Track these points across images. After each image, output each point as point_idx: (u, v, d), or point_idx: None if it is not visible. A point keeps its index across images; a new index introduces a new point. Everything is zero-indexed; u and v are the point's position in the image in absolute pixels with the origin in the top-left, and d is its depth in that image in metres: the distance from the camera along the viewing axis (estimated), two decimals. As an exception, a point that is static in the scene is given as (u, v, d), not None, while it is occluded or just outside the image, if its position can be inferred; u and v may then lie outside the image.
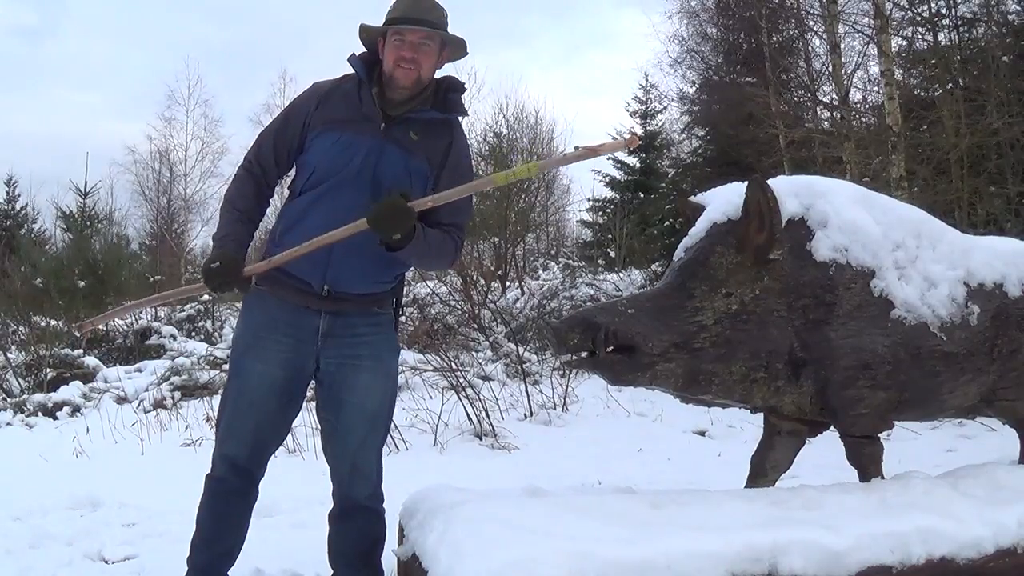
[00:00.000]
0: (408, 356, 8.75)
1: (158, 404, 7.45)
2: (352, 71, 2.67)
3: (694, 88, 17.99)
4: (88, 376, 8.45)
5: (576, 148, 2.53)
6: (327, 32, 43.01)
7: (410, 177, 2.57)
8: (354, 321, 2.63)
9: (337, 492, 2.78)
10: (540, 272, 14.76)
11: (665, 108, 19.36)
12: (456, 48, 2.69)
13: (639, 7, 40.98)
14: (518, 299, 11.89)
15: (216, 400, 7.54)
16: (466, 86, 2.78)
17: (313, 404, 2.88)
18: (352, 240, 2.49)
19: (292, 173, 2.73)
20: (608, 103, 42.01)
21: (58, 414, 7.23)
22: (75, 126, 38.86)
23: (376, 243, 2.47)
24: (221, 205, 2.72)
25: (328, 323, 2.60)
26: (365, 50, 2.70)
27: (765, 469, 3.15)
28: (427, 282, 11.85)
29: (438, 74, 2.70)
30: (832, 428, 3.06)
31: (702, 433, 6.64)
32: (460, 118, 2.75)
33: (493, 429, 6.22)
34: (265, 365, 2.61)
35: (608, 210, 18.82)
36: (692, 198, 3.19)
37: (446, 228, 2.63)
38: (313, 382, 2.74)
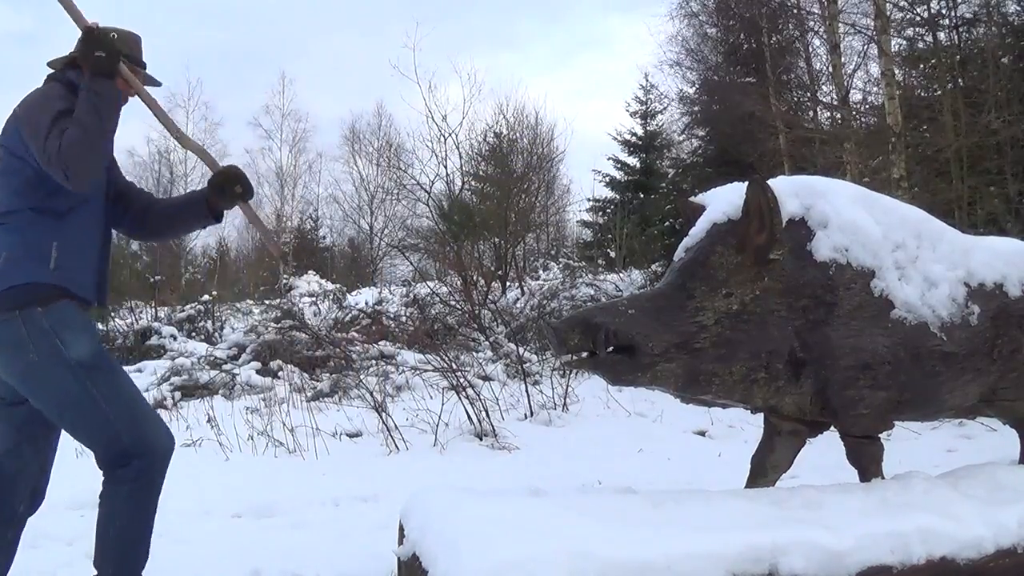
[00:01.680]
0: (408, 356, 8.76)
1: (158, 404, 7.45)
2: (75, 82, 2.57)
3: (694, 88, 18.02)
4: (88, 376, 8.43)
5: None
6: (325, 34, 43.08)
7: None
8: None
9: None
10: (540, 272, 14.76)
11: (665, 108, 19.41)
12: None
13: (623, 11, 41.22)
14: (518, 299, 11.90)
15: (216, 400, 7.57)
16: None
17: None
18: (108, 251, 2.72)
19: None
20: (602, 105, 42.18)
21: (58, 414, 7.23)
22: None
23: None
24: (79, 123, 2.48)
25: None
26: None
27: (765, 469, 3.15)
28: (427, 282, 11.86)
29: None
30: (832, 428, 3.06)
31: (702, 433, 6.64)
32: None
33: (493, 429, 6.22)
34: None
35: (608, 210, 18.85)
36: (692, 198, 3.19)
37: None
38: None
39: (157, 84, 2.86)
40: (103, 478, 2.55)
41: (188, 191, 3.00)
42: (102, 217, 2.64)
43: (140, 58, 2.74)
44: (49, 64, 2.68)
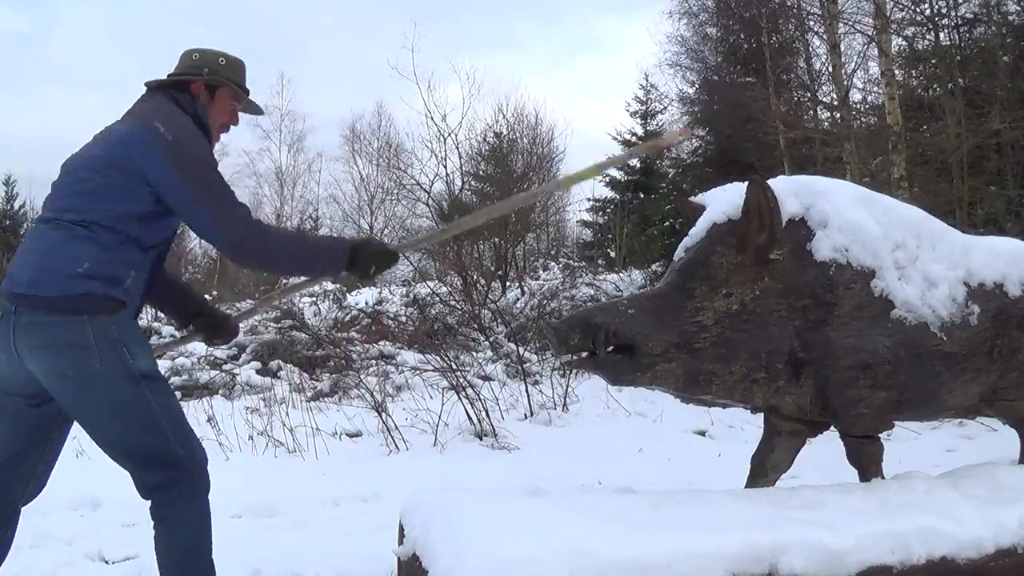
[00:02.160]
0: (408, 356, 8.76)
1: (158, 404, 7.43)
2: (182, 111, 2.55)
3: (694, 88, 18.03)
4: (88, 376, 8.44)
5: (641, 142, 2.54)
6: (324, 35, 43.09)
7: None
8: None
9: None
10: (540, 272, 14.77)
11: (665, 108, 19.40)
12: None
13: (621, 11, 41.28)
14: (518, 299, 11.90)
15: (216, 400, 7.57)
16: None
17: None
18: None
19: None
20: (602, 105, 42.30)
21: (58, 414, 7.23)
22: (75, 128, 38.96)
23: None
24: (289, 238, 2.70)
25: None
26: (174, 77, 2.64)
27: (765, 469, 3.15)
28: (427, 283, 11.86)
29: None
30: (832, 428, 3.06)
31: (702, 433, 6.64)
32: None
33: (493, 429, 6.22)
34: None
35: (608, 210, 18.85)
36: (692, 198, 3.19)
37: None
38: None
39: (259, 112, 2.88)
40: (154, 500, 2.46)
41: (189, 290, 2.90)
42: (154, 267, 2.60)
43: (244, 84, 2.72)
44: (148, 84, 2.64)
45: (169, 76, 2.64)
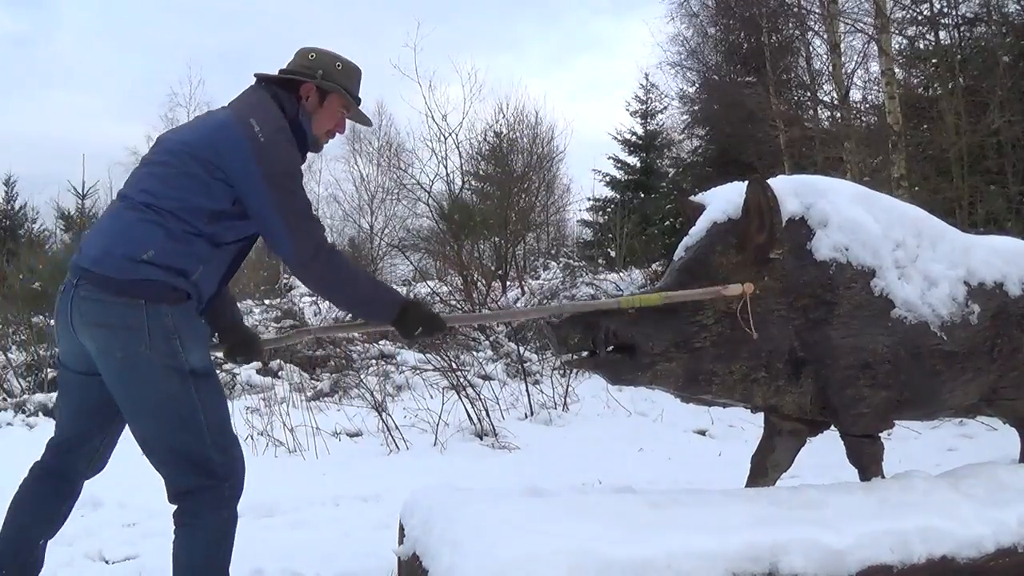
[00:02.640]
0: (409, 356, 8.75)
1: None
2: (281, 112, 2.47)
3: (694, 88, 18.01)
4: (88, 376, 8.44)
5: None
6: (324, 35, 43.11)
7: None
8: None
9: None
10: (540, 272, 14.77)
11: (665, 108, 19.38)
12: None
13: (619, 12, 41.36)
14: (519, 299, 11.89)
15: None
16: None
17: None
18: None
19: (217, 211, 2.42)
20: (602, 105, 42.35)
21: (59, 414, 7.23)
22: (75, 128, 39.05)
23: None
24: (355, 273, 2.59)
25: None
26: (280, 76, 2.56)
27: (765, 468, 3.15)
28: (428, 282, 11.86)
29: None
30: (832, 427, 3.06)
31: (703, 433, 6.64)
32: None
33: (494, 429, 6.22)
34: None
35: (608, 210, 18.82)
36: (692, 197, 3.19)
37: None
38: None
39: (368, 124, 2.83)
40: (181, 505, 2.38)
41: (232, 302, 2.76)
42: (232, 264, 2.54)
43: (357, 93, 2.63)
44: (257, 75, 2.57)
45: (281, 72, 2.54)
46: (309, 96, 2.52)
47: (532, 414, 6.95)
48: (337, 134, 2.63)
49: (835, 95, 12.84)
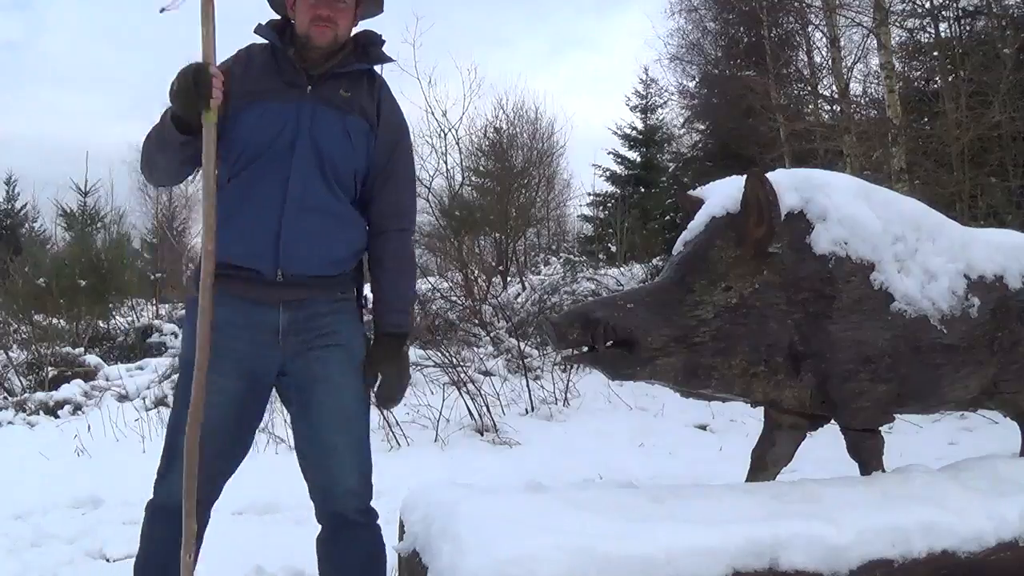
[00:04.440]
0: (409, 352, 8.75)
1: (159, 402, 7.45)
2: (260, 42, 2.42)
3: (694, 82, 17.99)
4: (89, 374, 8.47)
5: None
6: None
7: (349, 137, 2.34)
8: (317, 311, 2.32)
9: (320, 510, 2.39)
10: (541, 267, 14.76)
11: (665, 103, 19.36)
12: (371, 4, 2.49)
13: (597, 13, 41.39)
14: (519, 294, 11.89)
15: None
16: (384, 38, 2.53)
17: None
18: (305, 209, 2.27)
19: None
20: (602, 100, 42.42)
21: (59, 412, 7.25)
22: (75, 128, 39.10)
23: (333, 213, 2.32)
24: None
25: (288, 318, 2.30)
26: (275, 17, 2.48)
27: (766, 463, 3.15)
28: (428, 278, 11.84)
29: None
30: (833, 422, 3.06)
31: (703, 427, 6.64)
32: (385, 84, 2.51)
33: (494, 424, 6.22)
34: (221, 377, 2.22)
35: (609, 205, 18.81)
36: (691, 192, 3.18)
37: (397, 233, 2.45)
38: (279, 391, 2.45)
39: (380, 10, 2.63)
40: (340, 523, 2.34)
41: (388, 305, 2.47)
42: None
43: None
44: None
45: (277, 18, 2.46)
46: (290, 6, 2.42)
47: (533, 410, 6.96)
48: (323, 19, 2.35)
49: (835, 89, 12.81)
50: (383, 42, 2.50)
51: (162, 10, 2.30)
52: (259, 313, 2.28)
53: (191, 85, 2.15)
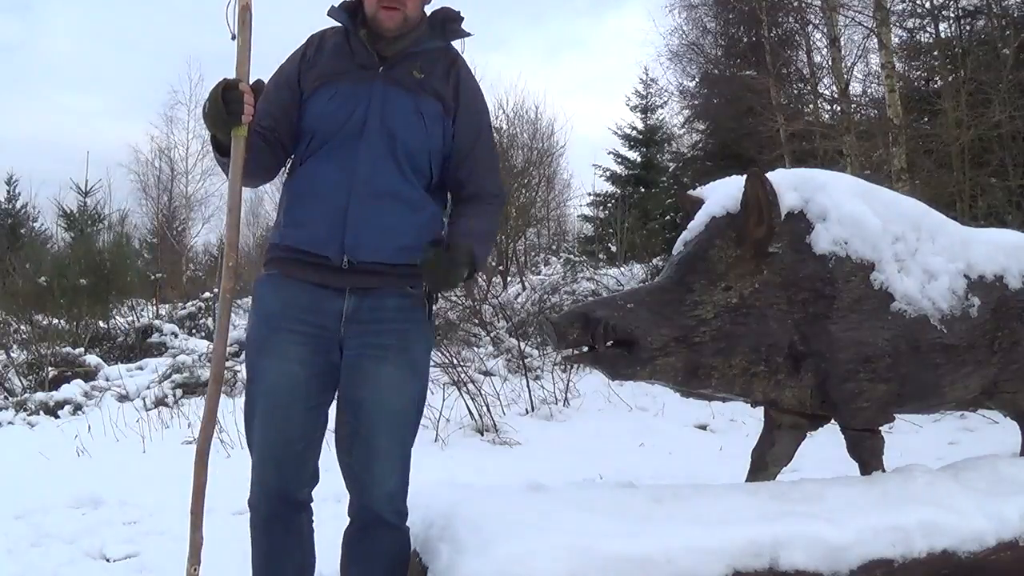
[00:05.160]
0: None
1: (159, 402, 7.46)
2: (334, 25, 2.40)
3: (694, 82, 17.99)
4: (90, 374, 8.47)
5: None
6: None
7: (423, 119, 2.28)
8: (383, 303, 2.27)
9: (355, 504, 2.37)
10: (541, 267, 14.77)
11: (665, 103, 19.36)
12: None
13: (591, 16, 41.47)
14: (519, 294, 11.90)
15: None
16: (463, 15, 2.46)
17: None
18: (374, 194, 2.22)
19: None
20: (602, 100, 42.52)
21: (59, 412, 7.25)
22: (76, 128, 39.15)
23: (403, 198, 2.25)
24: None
25: (353, 304, 2.24)
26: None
27: (766, 463, 3.15)
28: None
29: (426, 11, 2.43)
30: (833, 421, 3.06)
31: (703, 427, 6.64)
32: (465, 64, 2.44)
33: (494, 424, 6.23)
34: (284, 363, 2.24)
35: (609, 204, 18.80)
36: (691, 192, 3.18)
37: (485, 199, 2.39)
38: None
39: None
40: (374, 520, 2.31)
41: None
42: None
43: None
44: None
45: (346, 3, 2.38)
46: None
47: (533, 409, 6.96)
48: (391, 1, 2.28)
49: (835, 89, 12.81)
50: (462, 19, 2.45)
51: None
52: (325, 298, 2.24)
53: (220, 106, 2.13)
